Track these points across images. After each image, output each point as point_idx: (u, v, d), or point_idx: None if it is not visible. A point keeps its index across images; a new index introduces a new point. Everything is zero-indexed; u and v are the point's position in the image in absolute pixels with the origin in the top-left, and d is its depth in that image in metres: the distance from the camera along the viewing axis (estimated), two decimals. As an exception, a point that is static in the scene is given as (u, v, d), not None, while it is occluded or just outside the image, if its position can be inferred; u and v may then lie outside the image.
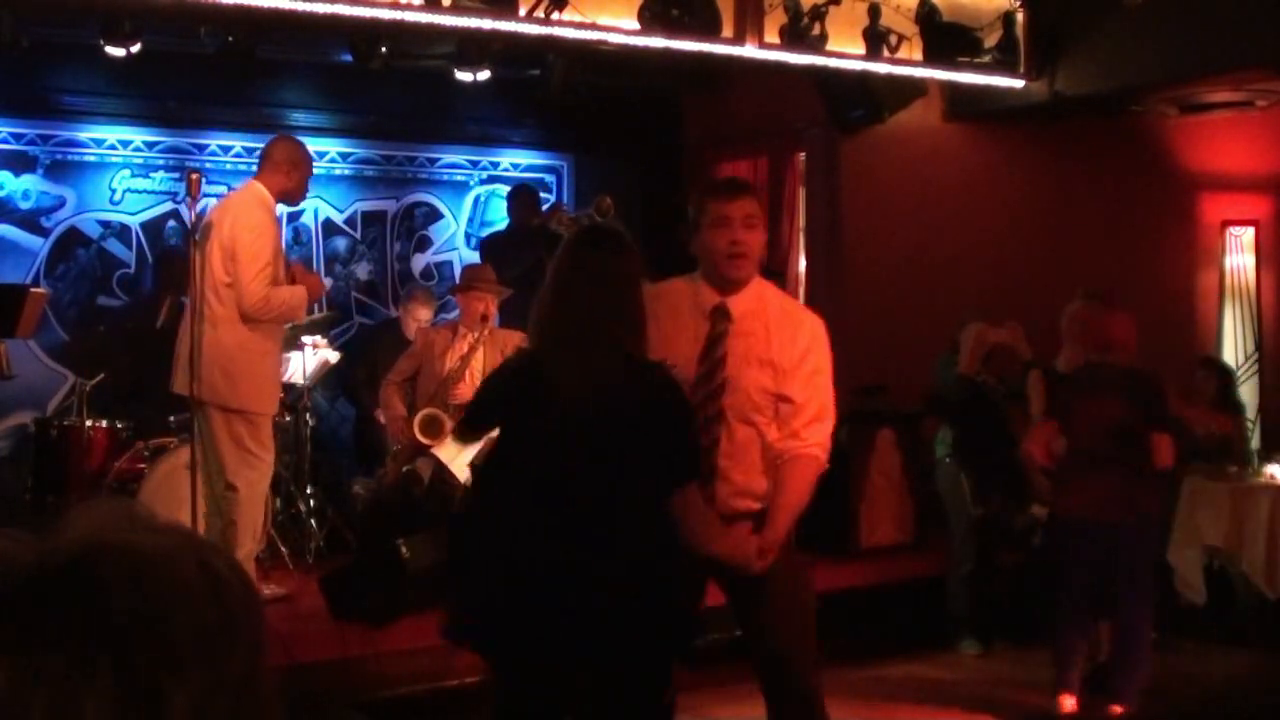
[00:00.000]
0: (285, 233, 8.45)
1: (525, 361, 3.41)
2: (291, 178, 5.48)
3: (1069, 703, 5.46)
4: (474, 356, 6.46)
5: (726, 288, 3.65)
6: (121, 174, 7.99)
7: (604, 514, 3.12)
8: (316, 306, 8.42)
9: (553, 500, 3.12)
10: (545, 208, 8.46)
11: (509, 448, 3.29)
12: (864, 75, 7.10)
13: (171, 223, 8.07)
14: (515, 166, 9.26)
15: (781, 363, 3.58)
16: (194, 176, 5.29)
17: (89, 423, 6.45)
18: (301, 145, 5.69)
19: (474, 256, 8.66)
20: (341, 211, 8.70)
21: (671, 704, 3.35)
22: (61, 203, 7.89)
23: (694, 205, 3.77)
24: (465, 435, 3.83)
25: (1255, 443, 7.81)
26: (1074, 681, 5.48)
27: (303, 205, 8.52)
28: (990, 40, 7.34)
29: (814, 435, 3.61)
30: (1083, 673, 5.52)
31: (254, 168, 8.33)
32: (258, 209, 5.34)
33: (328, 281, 8.63)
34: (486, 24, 5.98)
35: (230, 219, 5.32)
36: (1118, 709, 5.37)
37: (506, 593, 3.13)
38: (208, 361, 5.23)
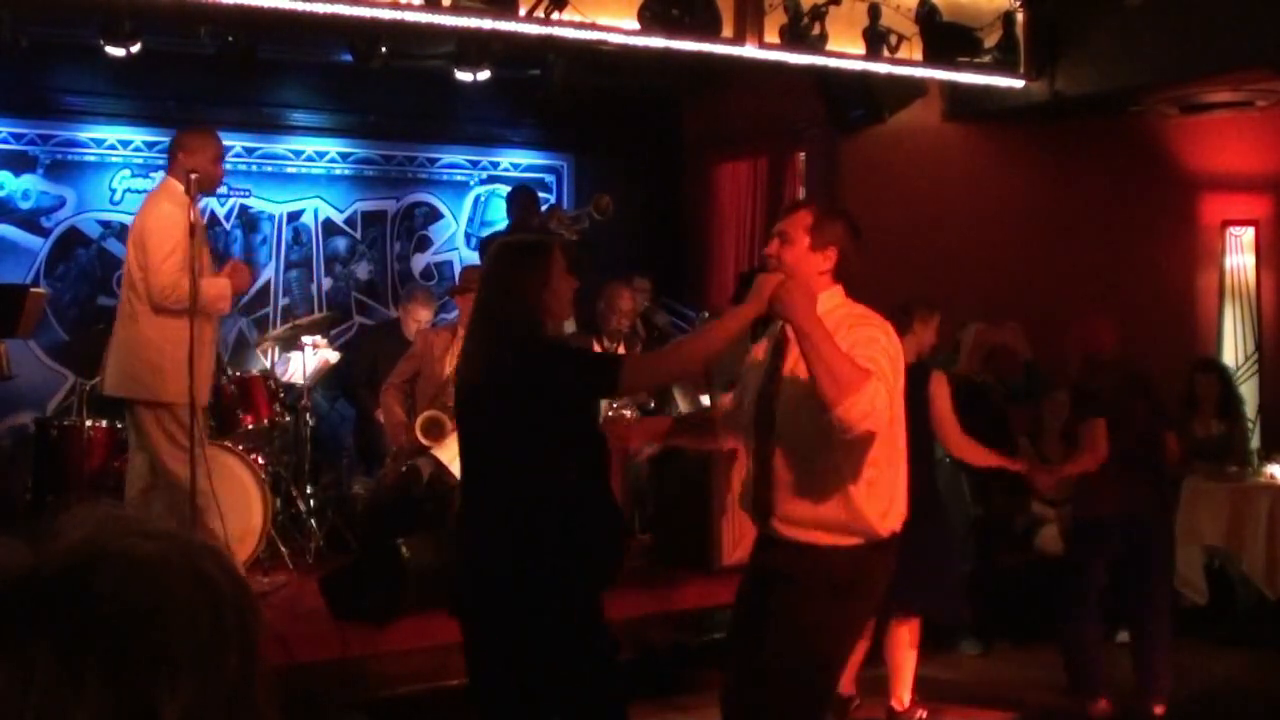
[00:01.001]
0: (285, 233, 8.47)
1: None
2: (192, 162, 5.34)
3: (1104, 705, 5.46)
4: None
5: None
6: (121, 174, 8.00)
7: (486, 474, 3.61)
8: (315, 306, 8.44)
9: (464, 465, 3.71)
10: (544, 208, 8.46)
11: None
12: (864, 75, 7.10)
13: (171, 223, 8.07)
14: (515, 166, 9.26)
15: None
16: (194, 176, 5.28)
17: (89, 423, 6.44)
18: (201, 131, 5.53)
19: (474, 257, 8.67)
20: (341, 211, 8.70)
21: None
22: (61, 203, 7.89)
23: None
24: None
25: (1255, 443, 7.81)
26: (1101, 683, 5.47)
27: (303, 205, 8.55)
28: (990, 40, 7.33)
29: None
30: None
31: (253, 168, 8.44)
32: (164, 200, 5.31)
33: (327, 281, 8.64)
34: (486, 24, 5.98)
35: (140, 214, 5.34)
36: (1160, 707, 5.40)
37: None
38: (131, 357, 5.23)
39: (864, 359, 3.26)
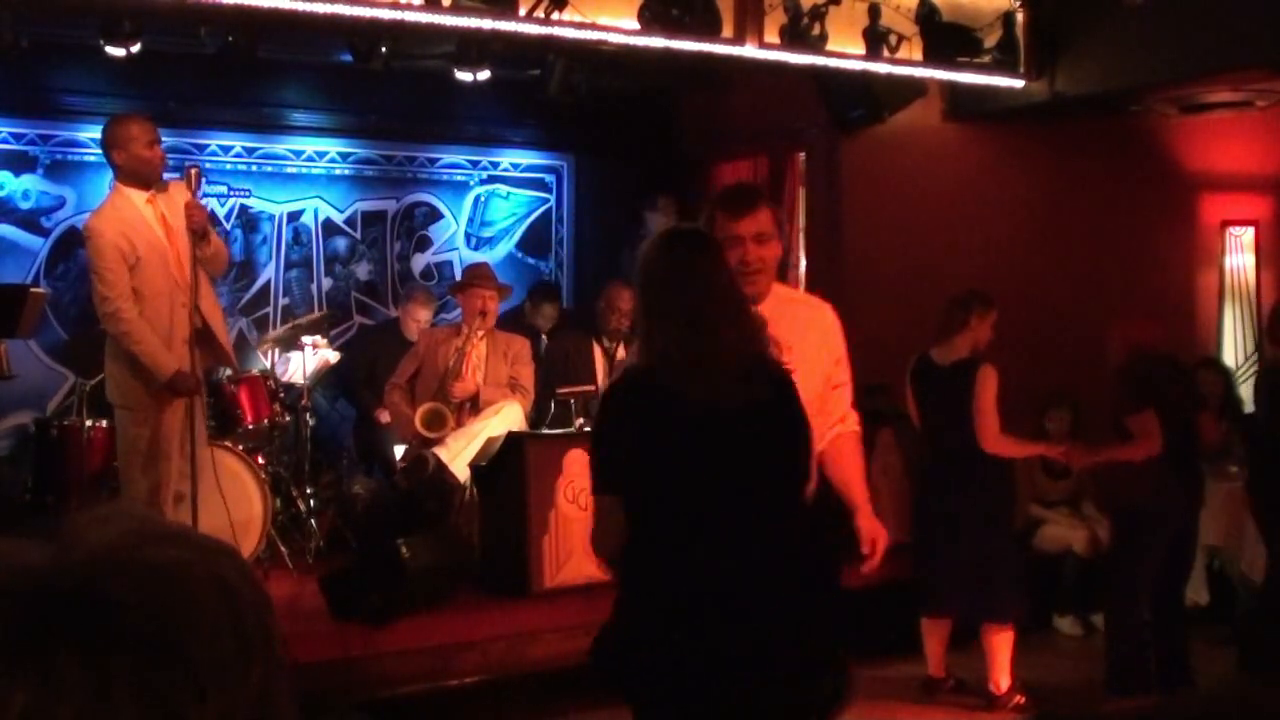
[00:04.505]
0: (285, 233, 8.47)
1: (637, 381, 2.93)
2: (121, 157, 5.14)
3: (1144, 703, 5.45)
4: (471, 351, 6.47)
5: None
6: (121, 174, 7.99)
7: (753, 533, 2.81)
8: (315, 306, 8.43)
9: (705, 524, 2.81)
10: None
11: (642, 477, 2.85)
12: (864, 75, 7.10)
13: (171, 223, 8.06)
14: (515, 166, 9.27)
15: (825, 354, 3.66)
16: (193, 171, 5.24)
17: (89, 423, 6.44)
18: (117, 122, 5.26)
19: (474, 256, 8.68)
20: (341, 211, 8.70)
21: None
22: (61, 203, 7.89)
23: (705, 215, 3.56)
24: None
25: (1255, 443, 7.79)
26: (1148, 681, 5.40)
27: (303, 205, 8.55)
28: (990, 40, 7.33)
29: (853, 414, 3.84)
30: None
31: (253, 168, 8.44)
32: (94, 216, 5.23)
33: (327, 281, 8.64)
34: (486, 24, 5.98)
35: None
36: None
37: (670, 630, 2.80)
38: (106, 360, 5.29)
39: (844, 374, 3.76)
